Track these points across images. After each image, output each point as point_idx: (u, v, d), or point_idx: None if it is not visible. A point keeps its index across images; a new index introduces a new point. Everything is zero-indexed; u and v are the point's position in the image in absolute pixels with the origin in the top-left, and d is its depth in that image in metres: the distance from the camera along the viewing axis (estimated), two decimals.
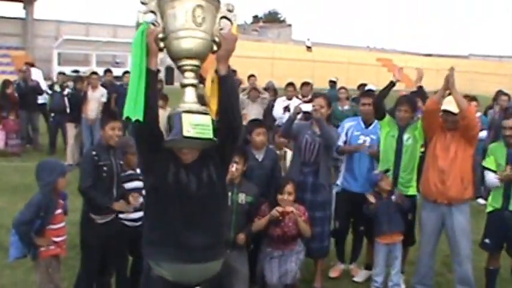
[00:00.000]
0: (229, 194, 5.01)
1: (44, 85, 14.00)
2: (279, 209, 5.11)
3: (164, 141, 3.04)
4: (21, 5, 42.69)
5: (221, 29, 3.10)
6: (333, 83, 16.41)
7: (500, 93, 10.91)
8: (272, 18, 79.53)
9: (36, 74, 14.05)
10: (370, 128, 6.14)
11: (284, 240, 5.27)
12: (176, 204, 3.13)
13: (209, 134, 2.94)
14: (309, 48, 51.18)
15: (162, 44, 2.99)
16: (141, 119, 2.90)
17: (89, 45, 39.90)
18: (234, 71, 16.47)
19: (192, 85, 3.05)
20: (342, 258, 6.35)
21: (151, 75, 2.97)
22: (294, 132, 5.80)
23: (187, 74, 3.05)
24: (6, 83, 13.08)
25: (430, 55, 60.84)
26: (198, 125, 2.92)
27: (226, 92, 3.12)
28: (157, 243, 3.18)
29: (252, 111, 10.38)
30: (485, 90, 24.10)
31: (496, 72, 45.76)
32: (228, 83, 3.12)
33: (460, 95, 5.39)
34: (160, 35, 2.97)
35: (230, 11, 3.14)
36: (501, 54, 59.69)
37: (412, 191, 5.90)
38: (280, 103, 10.90)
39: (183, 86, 3.06)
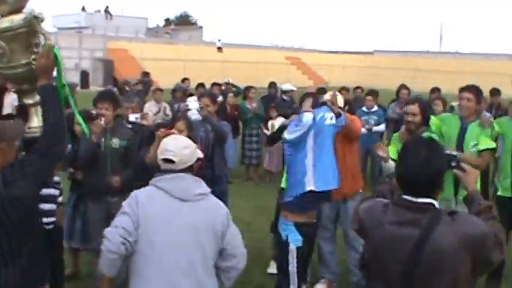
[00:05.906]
0: (102, 139, 5.23)
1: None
2: (163, 129, 5.17)
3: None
4: None
5: (38, 43, 3.04)
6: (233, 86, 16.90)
7: (402, 87, 11.31)
8: (183, 21, 79.15)
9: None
10: None
11: None
12: None
13: None
14: (219, 49, 51.42)
15: None
16: None
17: None
18: (147, 73, 16.58)
19: (34, 104, 3.19)
20: None
21: None
22: None
23: (21, 96, 3.23)
24: None
25: (336, 52, 62.47)
26: None
27: (43, 100, 3.06)
28: None
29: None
30: (390, 83, 25.36)
31: (400, 66, 47.86)
32: (44, 93, 3.04)
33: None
34: None
35: (42, 21, 3.02)
36: (405, 49, 62.09)
37: None
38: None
39: (29, 105, 3.20)
